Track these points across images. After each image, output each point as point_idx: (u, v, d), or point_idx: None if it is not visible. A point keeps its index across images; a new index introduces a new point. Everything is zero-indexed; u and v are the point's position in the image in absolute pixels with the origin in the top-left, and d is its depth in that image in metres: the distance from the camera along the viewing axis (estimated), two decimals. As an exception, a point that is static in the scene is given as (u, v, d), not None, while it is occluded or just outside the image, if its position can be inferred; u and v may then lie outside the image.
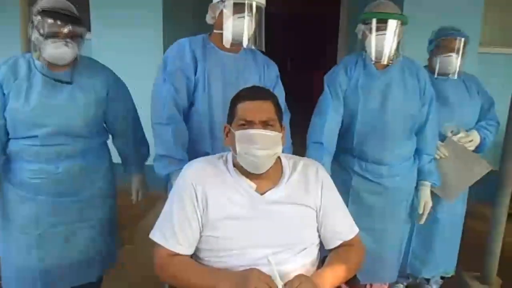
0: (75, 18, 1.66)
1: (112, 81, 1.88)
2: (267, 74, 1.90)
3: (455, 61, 2.05)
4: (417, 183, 2.04)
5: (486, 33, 3.73)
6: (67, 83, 1.71)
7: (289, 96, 2.00)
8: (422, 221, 2.03)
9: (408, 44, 3.53)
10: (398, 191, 1.98)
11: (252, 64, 1.87)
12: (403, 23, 1.84)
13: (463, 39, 2.06)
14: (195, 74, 1.76)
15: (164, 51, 1.89)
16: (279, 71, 1.97)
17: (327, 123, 1.90)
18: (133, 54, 3.66)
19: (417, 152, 2.02)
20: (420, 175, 2.02)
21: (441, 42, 2.08)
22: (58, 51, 1.63)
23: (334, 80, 1.93)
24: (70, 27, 1.64)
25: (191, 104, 1.80)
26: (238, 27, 1.70)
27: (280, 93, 1.90)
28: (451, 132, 2.07)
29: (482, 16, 3.58)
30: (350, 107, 1.92)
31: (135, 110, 1.99)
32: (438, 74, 2.11)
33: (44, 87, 1.69)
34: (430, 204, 2.02)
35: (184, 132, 1.77)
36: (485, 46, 3.69)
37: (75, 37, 1.67)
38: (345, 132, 1.95)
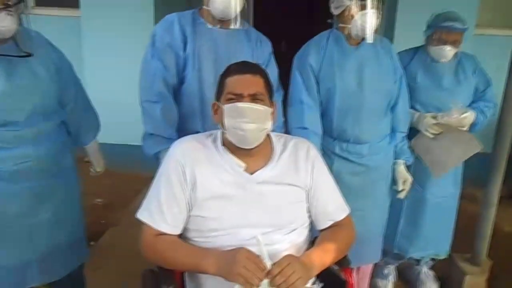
0: None
1: (56, 48, 1.77)
2: (260, 51, 1.85)
3: (449, 52, 2.03)
4: None
5: (482, 15, 3.68)
6: (27, 55, 1.56)
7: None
8: (403, 195, 2.04)
9: (404, 25, 3.54)
10: (378, 170, 1.98)
11: (244, 40, 1.82)
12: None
13: (460, 33, 2.00)
14: (185, 51, 1.71)
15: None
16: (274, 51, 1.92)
17: (306, 107, 1.87)
18: (124, 35, 3.60)
19: (391, 130, 2.01)
20: (394, 154, 2.03)
21: (437, 33, 2.02)
22: (4, 23, 1.46)
23: (304, 62, 1.89)
24: None
25: (181, 81, 1.76)
26: (223, 3, 1.64)
27: (272, 70, 1.85)
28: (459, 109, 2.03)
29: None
30: (327, 86, 1.87)
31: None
32: (432, 61, 2.09)
33: (1, 68, 1.55)
34: (410, 180, 2.03)
35: (173, 110, 1.73)
36: (481, 27, 3.66)
37: (16, 3, 1.49)
38: (323, 113, 1.92)
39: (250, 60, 1.75)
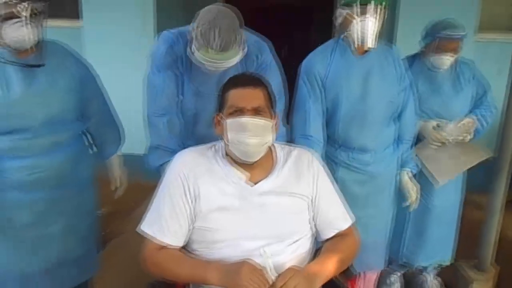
0: None
1: (81, 61, 1.80)
2: (259, 65, 1.76)
3: (449, 61, 2.02)
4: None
5: (482, 19, 3.68)
6: (39, 66, 1.59)
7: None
8: (414, 206, 2.02)
9: (404, 31, 3.53)
10: (382, 178, 1.98)
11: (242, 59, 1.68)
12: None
13: (459, 40, 1.99)
14: (182, 68, 1.69)
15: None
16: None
17: (311, 116, 1.86)
18: (124, 44, 3.61)
19: (397, 139, 2.00)
20: (399, 163, 2.02)
21: (436, 42, 2.00)
22: (19, 33, 1.49)
23: (310, 69, 1.87)
24: (27, 4, 1.48)
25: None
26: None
27: (272, 77, 1.73)
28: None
29: (479, 2, 3.53)
30: (332, 95, 1.87)
31: (104, 90, 1.91)
32: (431, 69, 2.08)
33: (20, 76, 1.58)
34: (418, 186, 2.02)
35: (177, 124, 1.73)
36: (481, 32, 3.65)
37: (36, 15, 1.52)
38: (328, 121, 1.92)
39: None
